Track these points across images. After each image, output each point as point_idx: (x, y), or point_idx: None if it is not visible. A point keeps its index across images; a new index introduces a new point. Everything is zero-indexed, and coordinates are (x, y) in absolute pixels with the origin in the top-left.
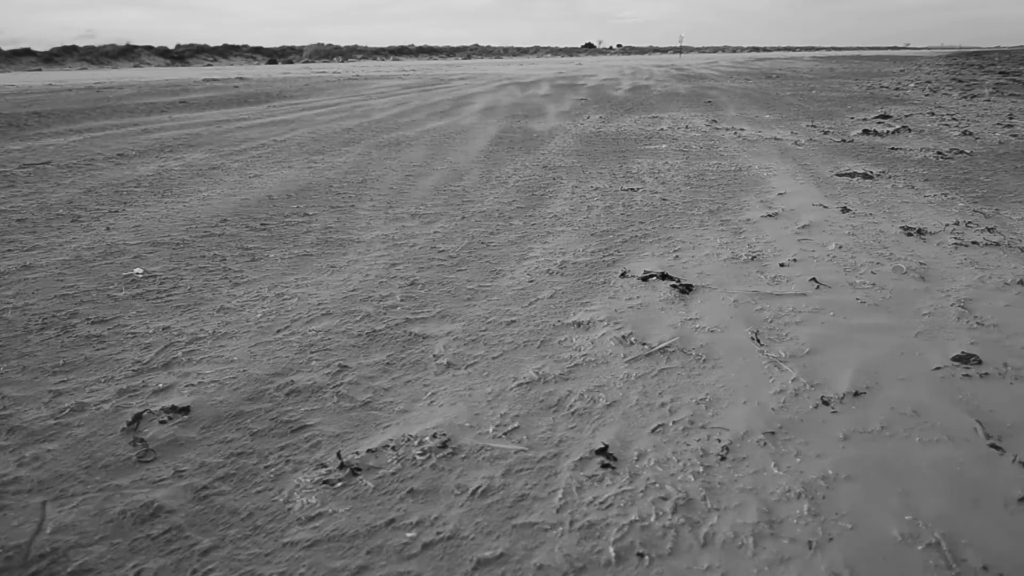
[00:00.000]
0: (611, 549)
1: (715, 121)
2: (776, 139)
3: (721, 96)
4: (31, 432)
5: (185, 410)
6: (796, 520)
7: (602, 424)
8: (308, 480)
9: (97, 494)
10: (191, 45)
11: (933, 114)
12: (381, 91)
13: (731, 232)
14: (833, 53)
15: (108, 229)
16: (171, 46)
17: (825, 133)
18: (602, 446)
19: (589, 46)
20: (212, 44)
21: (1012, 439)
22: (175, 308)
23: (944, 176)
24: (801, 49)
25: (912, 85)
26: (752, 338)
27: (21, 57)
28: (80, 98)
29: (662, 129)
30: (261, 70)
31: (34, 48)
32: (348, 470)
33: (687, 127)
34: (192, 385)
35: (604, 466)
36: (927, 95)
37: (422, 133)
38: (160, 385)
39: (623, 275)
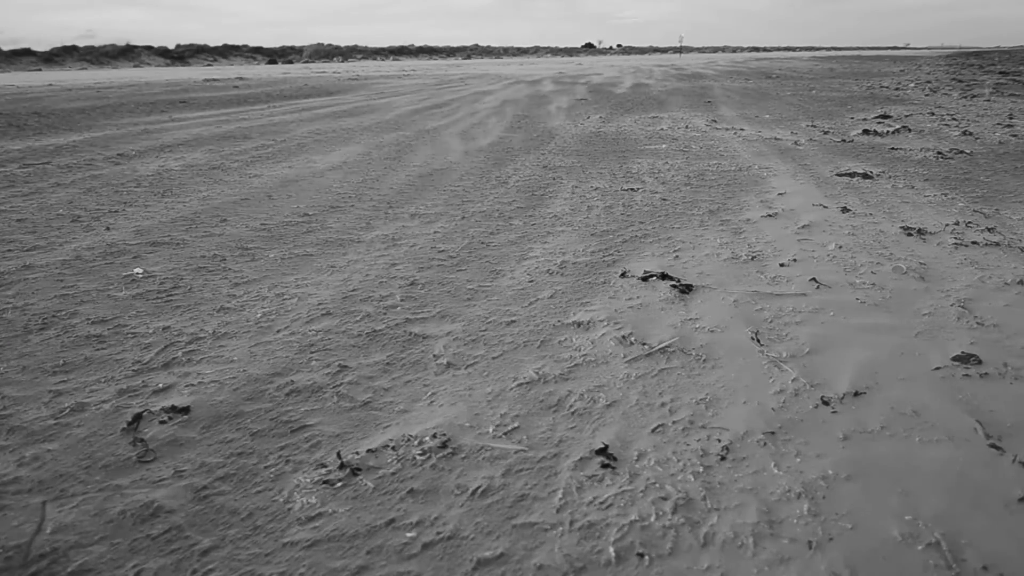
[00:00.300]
0: (611, 549)
1: (715, 121)
2: (776, 139)
3: (721, 96)
4: (31, 432)
5: (185, 410)
6: (796, 520)
7: (602, 424)
8: (308, 480)
9: (97, 494)
10: (191, 45)
11: (933, 114)
12: (382, 92)
13: (731, 232)
14: (833, 53)
15: (108, 229)
16: (171, 46)
17: (825, 133)
18: (602, 446)
19: (589, 46)
20: (212, 44)
21: (1012, 439)
22: (175, 308)
23: (944, 176)
24: (801, 49)
25: (912, 85)
26: (752, 338)
27: (21, 57)
28: (80, 98)
29: (662, 129)
30: (261, 70)
31: (34, 48)
32: (348, 470)
33: (687, 127)
34: (192, 385)
35: (604, 466)
36: (927, 95)
37: (421, 134)
38: (160, 385)
39: (623, 275)
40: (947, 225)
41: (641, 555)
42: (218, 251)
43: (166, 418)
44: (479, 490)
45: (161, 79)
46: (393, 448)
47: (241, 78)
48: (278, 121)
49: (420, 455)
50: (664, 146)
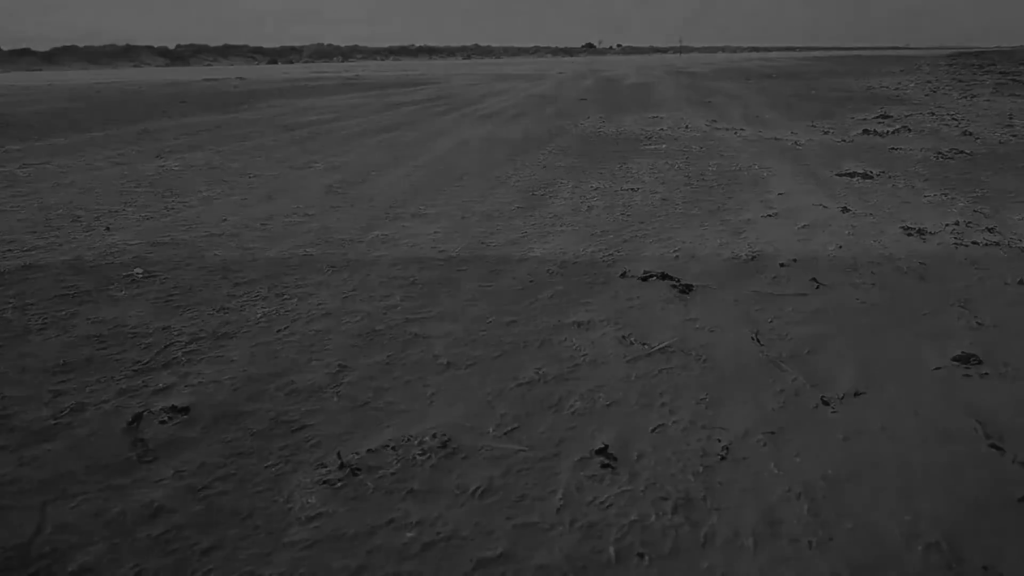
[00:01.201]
0: (611, 549)
1: (715, 121)
2: (776, 139)
3: (721, 96)
4: (31, 432)
5: (185, 410)
6: (796, 520)
7: (602, 424)
8: (308, 480)
9: (97, 494)
10: (191, 45)
11: (933, 114)
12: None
13: (731, 232)
14: (833, 53)
15: (108, 229)
16: (171, 46)
17: (825, 133)
18: (602, 446)
19: (589, 46)
20: (212, 44)
21: (1012, 439)
22: (175, 308)
23: (944, 176)
24: (801, 49)
25: (912, 85)
26: (752, 338)
27: (21, 57)
28: (79, 98)
29: (662, 129)
30: (261, 70)
31: (34, 48)
32: (348, 470)
33: (687, 127)
34: (192, 385)
35: (604, 466)
36: (927, 95)
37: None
38: (160, 385)
39: (623, 275)
40: (947, 225)
41: (641, 555)
42: (218, 251)
43: (166, 418)
44: (479, 490)
45: (161, 79)
46: (393, 448)
47: (241, 78)
48: (277, 123)
49: (420, 455)
50: (664, 146)
